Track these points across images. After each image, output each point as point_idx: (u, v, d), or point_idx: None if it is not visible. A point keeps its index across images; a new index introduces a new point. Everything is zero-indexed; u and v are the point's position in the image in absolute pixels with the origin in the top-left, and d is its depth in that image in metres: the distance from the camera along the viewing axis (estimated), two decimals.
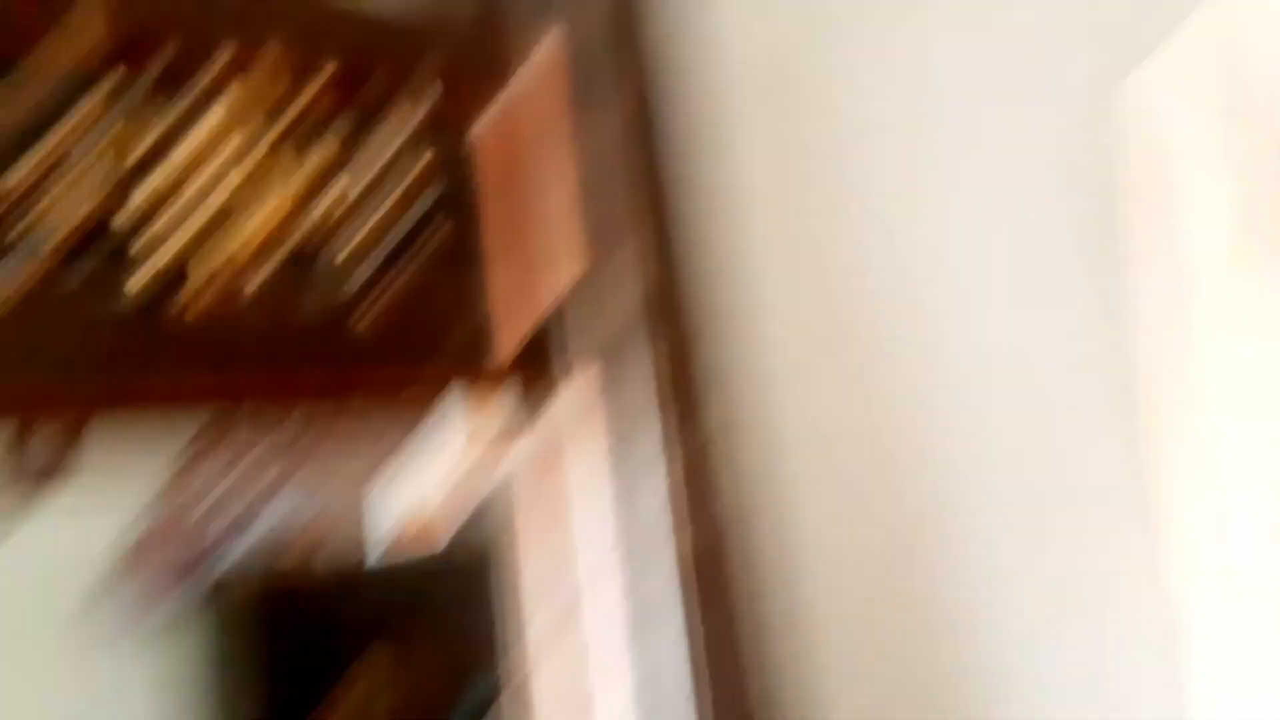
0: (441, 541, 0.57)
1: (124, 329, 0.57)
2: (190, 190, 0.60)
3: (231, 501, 2.79)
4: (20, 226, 0.54)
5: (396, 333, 0.65)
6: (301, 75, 0.63)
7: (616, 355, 0.61)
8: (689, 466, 0.59)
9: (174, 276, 0.59)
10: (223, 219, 0.61)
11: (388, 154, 0.66)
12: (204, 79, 0.61)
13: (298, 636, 2.72)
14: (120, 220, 0.58)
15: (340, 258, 0.64)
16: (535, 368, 0.64)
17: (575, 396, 0.62)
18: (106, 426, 0.59)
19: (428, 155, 0.67)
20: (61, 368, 0.54)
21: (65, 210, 0.56)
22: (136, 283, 0.57)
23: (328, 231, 0.65)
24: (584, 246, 0.63)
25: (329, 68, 0.64)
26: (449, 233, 0.67)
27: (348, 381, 0.65)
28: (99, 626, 2.79)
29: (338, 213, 0.65)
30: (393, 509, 0.66)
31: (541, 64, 0.67)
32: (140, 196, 0.58)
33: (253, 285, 0.62)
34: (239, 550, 2.65)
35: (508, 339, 0.63)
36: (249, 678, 2.59)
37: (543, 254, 0.65)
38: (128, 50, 0.58)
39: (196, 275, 0.60)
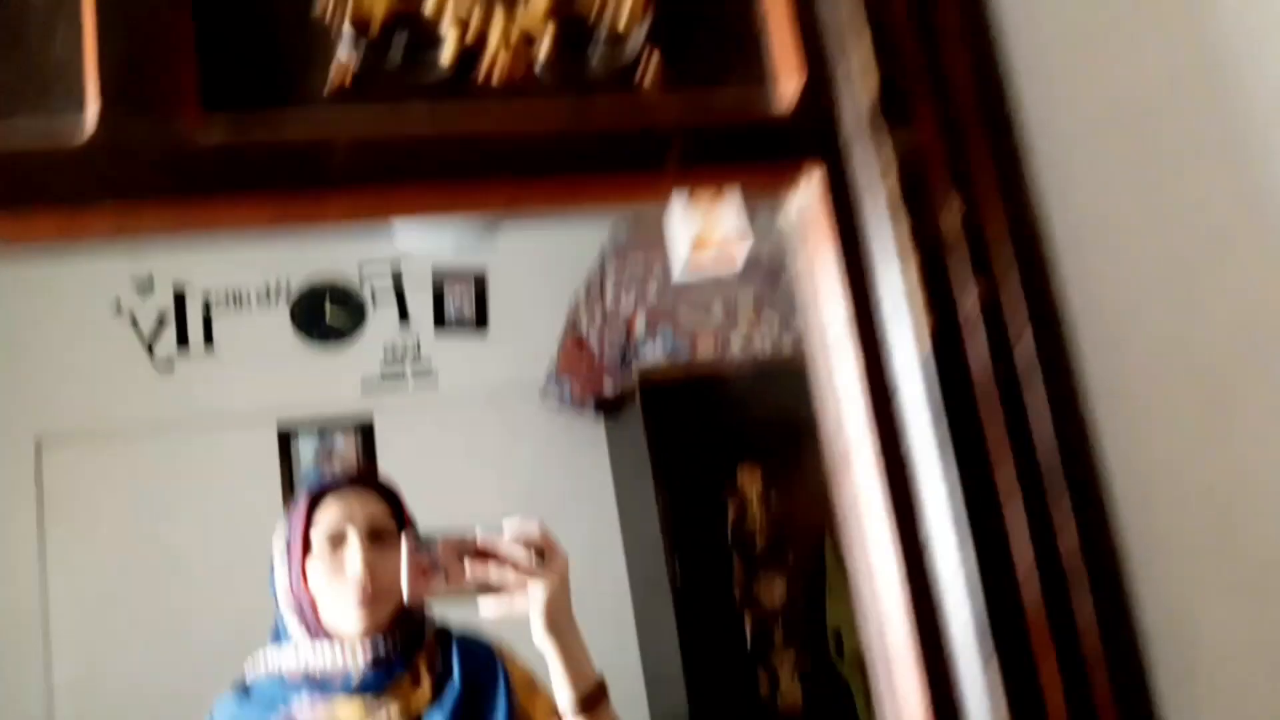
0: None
1: (438, 95, 0.66)
2: None
3: (647, 303, 3.04)
4: (350, 16, 0.64)
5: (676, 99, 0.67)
6: None
7: (852, 152, 0.57)
8: (924, 266, 0.55)
9: (475, 48, 0.67)
10: None
11: None
12: None
13: (711, 423, 2.96)
14: (428, 5, 0.67)
15: (621, 23, 0.67)
16: (776, 161, 0.62)
17: (813, 194, 0.59)
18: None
19: None
20: (392, 128, 0.65)
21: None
22: (446, 56, 0.66)
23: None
24: (817, 46, 0.59)
25: None
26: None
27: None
28: (551, 407, 3.26)
29: None
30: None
31: None
32: None
33: (543, 52, 0.67)
34: (658, 347, 2.91)
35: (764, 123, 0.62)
36: (670, 456, 2.90)
37: (782, 52, 0.62)
38: None
39: (494, 46, 0.66)
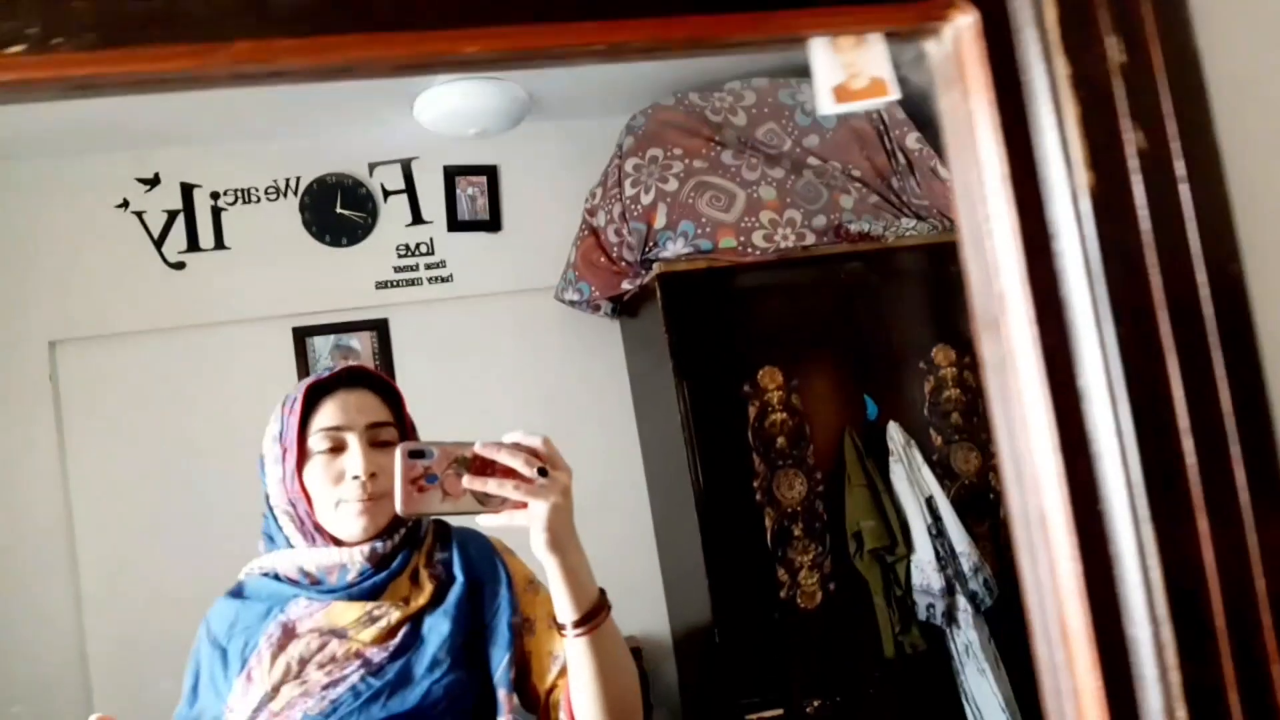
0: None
1: None
2: None
3: (667, 196, 2.97)
4: None
5: None
6: None
7: None
8: (1084, 113, 0.51)
9: None
10: None
11: None
12: None
13: (729, 315, 2.94)
14: None
15: None
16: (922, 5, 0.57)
17: (966, 34, 0.54)
18: None
19: None
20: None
21: None
22: None
23: None
24: None
25: None
26: None
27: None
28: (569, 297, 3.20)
29: None
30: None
31: None
32: None
33: None
34: (679, 241, 2.87)
35: None
36: (691, 354, 2.88)
37: None
38: None
39: None
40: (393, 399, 1.22)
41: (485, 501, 0.97)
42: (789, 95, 3.05)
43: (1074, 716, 0.53)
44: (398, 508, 0.97)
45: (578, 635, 1.01)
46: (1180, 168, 0.52)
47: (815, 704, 2.77)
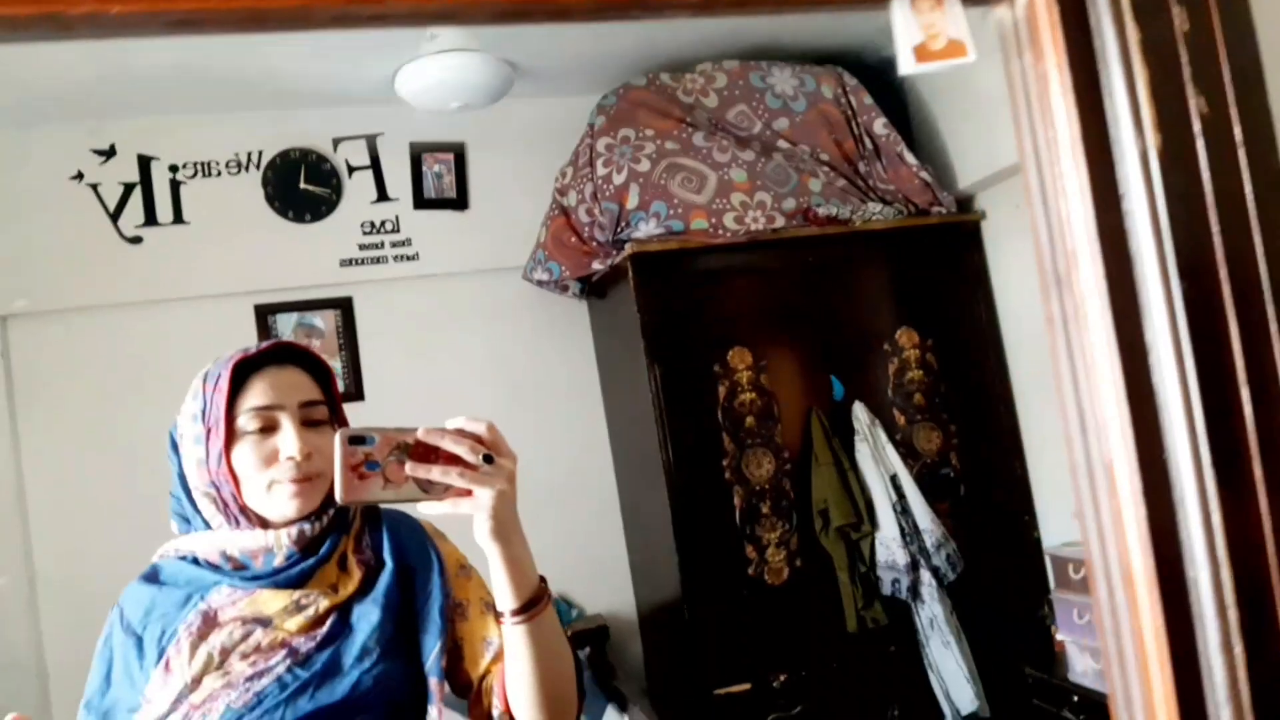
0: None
1: None
2: None
3: (639, 176, 2.98)
4: None
5: None
6: None
7: None
8: (1154, 78, 0.53)
9: None
10: None
11: None
12: None
13: (700, 295, 2.96)
14: None
15: None
16: None
17: (1037, 2, 0.56)
18: None
19: None
20: None
21: None
22: None
23: None
24: None
25: None
26: None
27: None
28: (541, 284, 3.20)
29: None
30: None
31: None
32: None
33: None
34: (651, 222, 2.88)
35: None
36: (662, 333, 2.90)
37: None
38: None
39: None
40: (323, 377, 1.17)
41: (428, 489, 0.94)
42: (759, 78, 3.07)
43: (1134, 655, 0.55)
44: (338, 496, 0.93)
45: (516, 623, 0.99)
46: (1238, 133, 0.54)
47: (781, 678, 2.81)
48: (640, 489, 3.16)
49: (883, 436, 2.94)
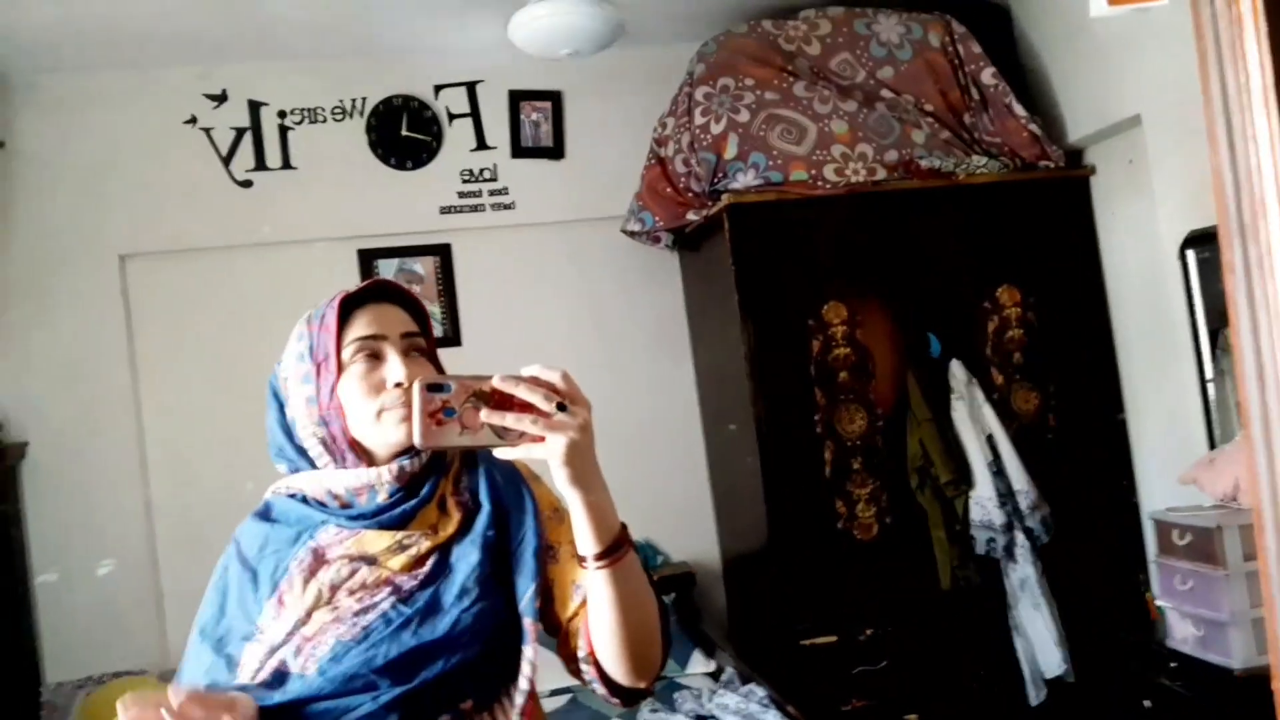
0: None
1: None
2: None
3: (738, 126, 2.94)
4: None
5: None
6: None
7: None
8: None
9: None
10: None
11: None
12: None
13: (796, 248, 2.94)
14: None
15: None
16: None
17: None
18: None
19: None
20: None
21: None
22: None
23: None
24: None
25: None
26: None
27: None
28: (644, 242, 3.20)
29: None
30: None
31: None
32: None
33: None
34: (749, 173, 2.86)
35: None
36: (756, 286, 2.90)
37: None
38: None
39: None
40: (419, 315, 1.20)
41: (503, 435, 0.95)
42: (864, 25, 3.00)
43: None
44: (416, 441, 0.96)
45: (598, 568, 1.01)
46: None
47: (868, 632, 2.83)
48: (729, 440, 3.18)
49: (980, 395, 2.89)
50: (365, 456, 1.14)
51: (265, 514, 1.19)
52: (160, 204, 3.15)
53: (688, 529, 3.44)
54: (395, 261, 3.26)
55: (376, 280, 1.19)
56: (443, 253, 3.31)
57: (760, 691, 2.58)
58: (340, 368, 1.13)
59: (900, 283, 2.94)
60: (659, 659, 1.08)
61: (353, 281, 3.21)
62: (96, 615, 2.99)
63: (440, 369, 1.18)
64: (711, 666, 2.91)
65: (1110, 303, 3.05)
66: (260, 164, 3.20)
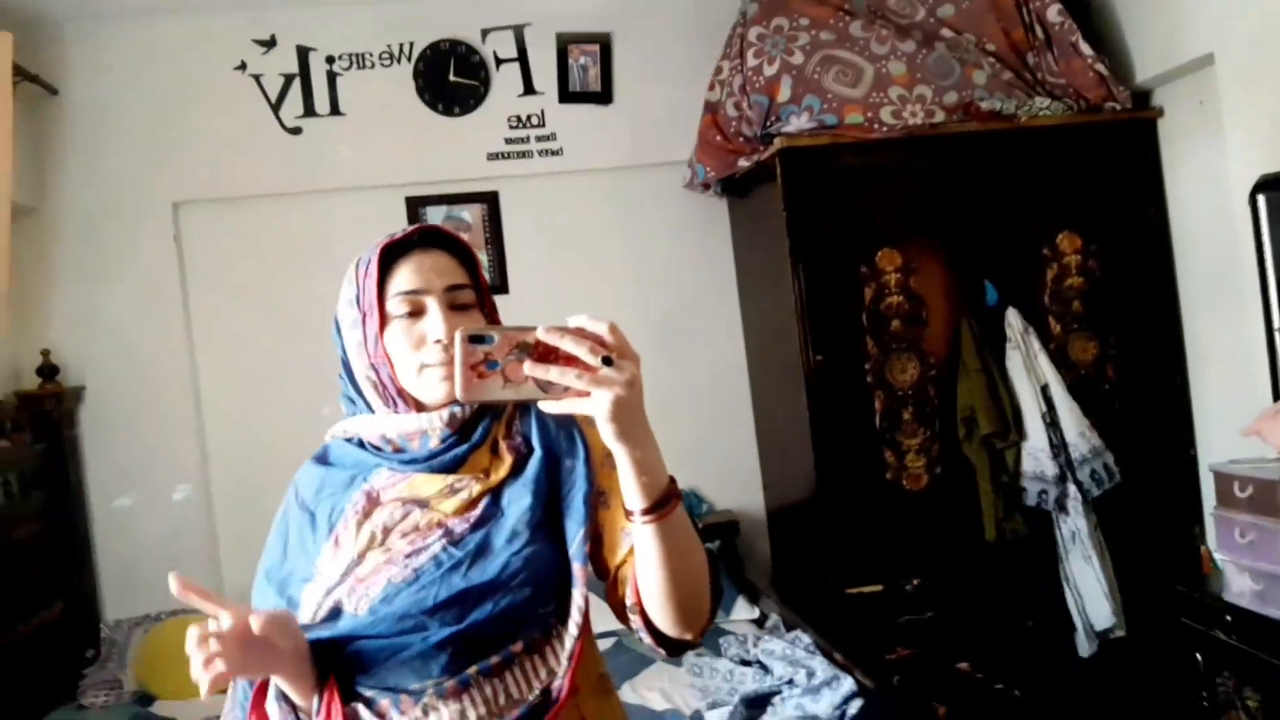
0: None
1: None
2: None
3: (791, 68, 2.86)
4: None
5: None
6: None
7: None
8: None
9: None
10: None
11: None
12: None
13: (850, 193, 2.88)
14: None
15: None
16: None
17: None
18: None
19: None
20: None
21: None
22: None
23: None
24: None
25: None
26: None
27: None
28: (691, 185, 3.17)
29: None
30: None
31: None
32: None
33: None
34: (803, 116, 2.78)
35: None
36: (808, 232, 2.85)
37: None
38: None
39: None
40: (468, 261, 1.17)
41: (548, 389, 0.92)
42: None
43: None
44: (458, 393, 0.94)
45: (645, 522, 0.99)
46: None
47: (915, 582, 2.82)
48: (777, 389, 3.16)
49: (1036, 344, 2.83)
50: (416, 403, 1.14)
51: (322, 458, 1.21)
52: (212, 151, 3.16)
53: (732, 478, 3.43)
54: (443, 209, 3.25)
55: (421, 227, 1.16)
56: (490, 200, 3.29)
57: (806, 638, 2.58)
58: (384, 318, 1.12)
59: (957, 229, 2.88)
60: (707, 612, 1.07)
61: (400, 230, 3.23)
62: (154, 556, 3.07)
63: (494, 315, 1.17)
64: (755, 613, 2.92)
65: (1175, 250, 2.96)
66: (309, 110, 3.20)
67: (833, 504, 2.83)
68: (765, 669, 2.43)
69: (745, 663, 2.54)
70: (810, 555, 3.01)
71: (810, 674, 2.25)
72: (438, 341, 1.10)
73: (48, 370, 2.98)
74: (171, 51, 3.14)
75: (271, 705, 1.08)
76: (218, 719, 2.56)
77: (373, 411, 1.16)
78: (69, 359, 3.07)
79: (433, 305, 1.11)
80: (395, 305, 1.11)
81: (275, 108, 3.18)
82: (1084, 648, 2.76)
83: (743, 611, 2.92)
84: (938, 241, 2.87)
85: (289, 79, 3.19)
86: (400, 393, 1.13)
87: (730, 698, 2.24)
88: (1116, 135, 2.92)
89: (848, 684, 2.15)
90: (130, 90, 3.12)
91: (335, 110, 3.21)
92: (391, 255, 1.13)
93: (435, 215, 3.25)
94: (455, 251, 1.17)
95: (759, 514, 3.47)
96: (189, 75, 3.15)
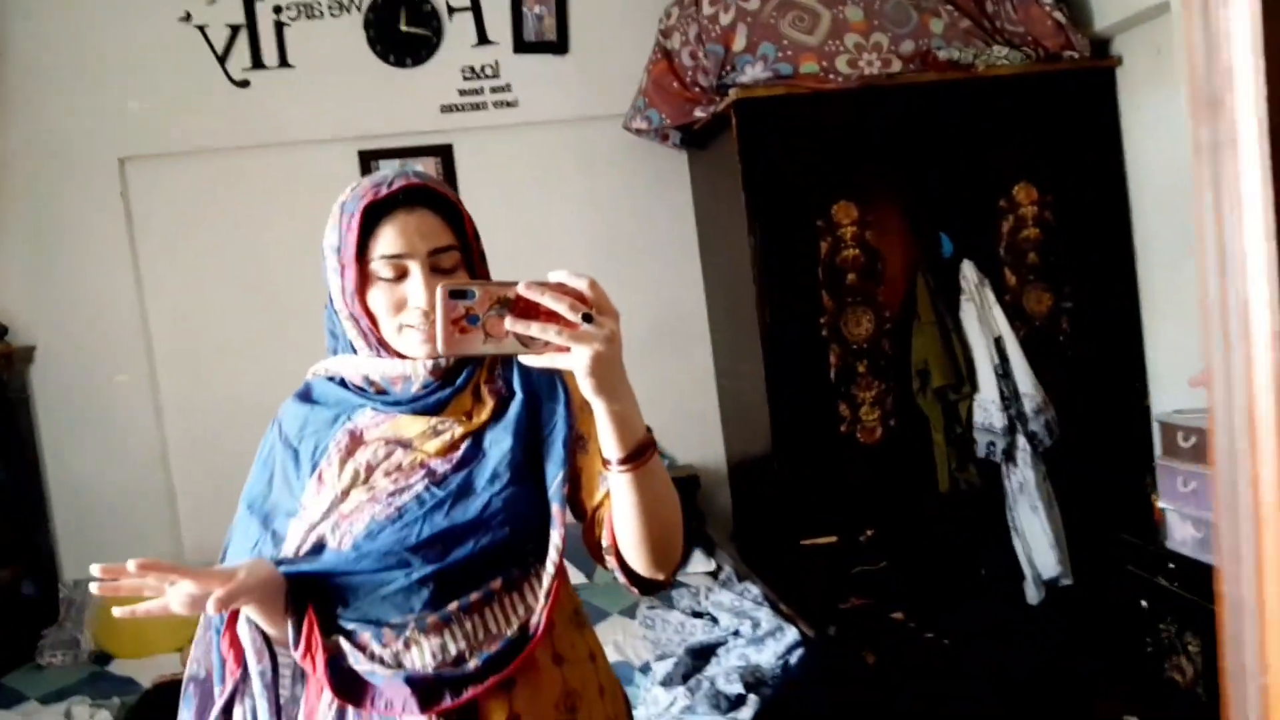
0: None
1: None
2: None
3: (747, 16, 2.81)
4: None
5: None
6: None
7: None
8: None
9: None
10: None
11: None
12: None
13: (805, 145, 2.86)
14: None
15: None
16: None
17: None
18: None
19: None
20: None
21: None
22: None
23: None
24: None
25: None
26: None
27: None
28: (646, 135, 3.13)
29: None
30: None
31: None
32: None
33: None
34: (758, 65, 2.74)
35: None
36: (764, 184, 2.82)
37: None
38: None
39: None
40: (455, 217, 1.15)
41: (528, 344, 0.94)
42: None
43: (1249, 502, 0.53)
44: (439, 347, 0.94)
45: (621, 471, 1.01)
46: None
47: (869, 533, 2.84)
48: (735, 342, 3.16)
49: (990, 297, 2.83)
50: (397, 352, 1.15)
51: (305, 395, 1.22)
52: (157, 106, 3.09)
53: (694, 432, 3.44)
54: (396, 163, 3.20)
55: (407, 183, 1.13)
56: (444, 153, 3.24)
57: (755, 589, 2.61)
58: (366, 276, 1.11)
59: (913, 181, 2.86)
60: (678, 554, 1.11)
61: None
62: (111, 514, 3.06)
63: (482, 268, 1.17)
64: (711, 566, 2.95)
65: (1132, 200, 2.95)
66: (257, 63, 3.13)
67: (788, 457, 2.84)
68: (715, 621, 2.46)
69: (698, 614, 2.57)
70: (767, 508, 3.03)
71: (755, 625, 2.28)
72: (418, 308, 1.10)
73: None
74: (114, 3, 3.05)
75: (243, 628, 1.11)
76: (173, 677, 2.58)
77: (354, 351, 1.17)
78: (18, 319, 3.03)
79: (415, 270, 1.10)
80: (379, 267, 1.10)
81: (222, 60, 3.11)
82: (1032, 596, 2.81)
83: (698, 564, 2.94)
84: (895, 194, 2.85)
85: (235, 30, 3.11)
86: (381, 342, 1.14)
87: (678, 650, 2.26)
88: (1075, 84, 2.90)
89: (791, 634, 2.18)
90: (73, 44, 3.04)
91: (284, 62, 3.14)
92: (375, 212, 1.11)
93: (388, 169, 3.19)
94: (440, 208, 1.14)
95: (721, 468, 3.49)
96: (132, 28, 3.07)
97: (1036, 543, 2.78)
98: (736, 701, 1.94)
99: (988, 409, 2.78)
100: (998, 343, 2.81)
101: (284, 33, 3.13)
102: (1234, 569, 0.55)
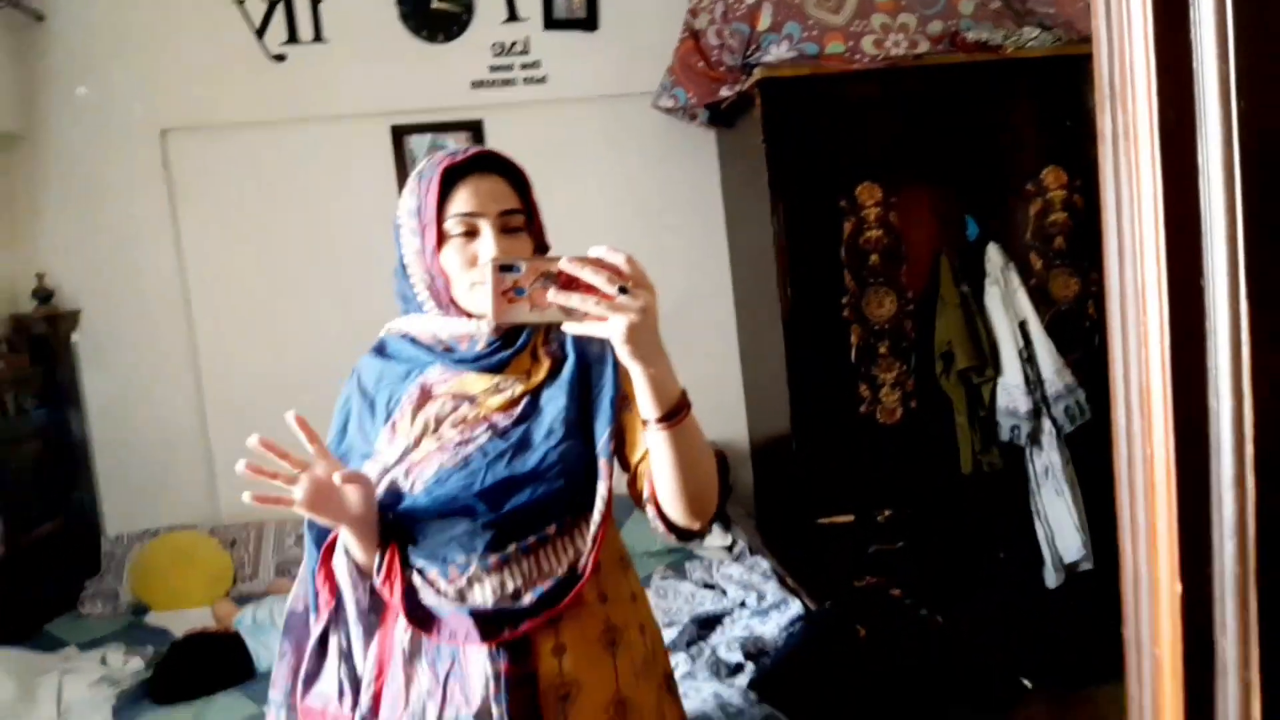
0: None
1: None
2: None
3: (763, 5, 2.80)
4: None
5: None
6: None
7: None
8: None
9: None
10: None
11: None
12: None
13: (830, 125, 2.84)
14: None
15: None
16: None
17: None
18: None
19: None
20: None
21: None
22: None
23: None
24: None
25: None
26: None
27: None
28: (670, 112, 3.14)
29: None
30: None
31: None
32: None
33: None
34: (783, 44, 2.74)
35: None
36: (788, 163, 2.82)
37: None
38: None
39: None
40: (521, 185, 1.27)
41: (570, 314, 1.03)
42: None
43: (1144, 483, 0.55)
44: (490, 317, 1.04)
45: (658, 430, 1.09)
46: None
47: (886, 513, 2.86)
48: (757, 321, 3.17)
49: (1015, 280, 2.82)
50: (466, 313, 1.25)
51: (381, 350, 1.35)
52: (197, 79, 3.17)
53: (718, 409, 3.47)
54: (427, 138, 3.26)
55: (481, 150, 1.26)
56: (475, 129, 3.29)
57: (765, 564, 2.65)
58: (442, 235, 1.22)
59: (939, 163, 2.84)
60: (713, 506, 1.20)
61: (386, 158, 3.25)
62: (151, 474, 3.18)
63: (541, 235, 1.29)
64: (727, 540, 2.99)
65: None
66: (292, 37, 3.19)
67: (807, 436, 2.86)
68: (724, 593, 2.50)
69: (708, 585, 2.61)
70: (787, 486, 3.06)
71: (761, 597, 2.32)
72: (488, 263, 1.17)
73: (43, 294, 3.05)
74: None
75: (339, 560, 1.24)
76: (202, 629, 2.67)
77: (424, 311, 1.28)
78: (63, 284, 3.14)
79: (486, 228, 1.21)
80: (453, 225, 1.21)
81: (259, 34, 3.18)
82: (1051, 579, 2.81)
83: (715, 538, 2.99)
84: (920, 175, 2.84)
85: (272, 5, 3.17)
86: (452, 301, 1.24)
87: (685, 619, 2.31)
88: None
89: (795, 607, 2.22)
90: (116, 16, 3.13)
91: (319, 37, 3.20)
92: (451, 175, 1.23)
93: (420, 144, 3.25)
94: (509, 175, 1.27)
95: (744, 446, 3.51)
96: (173, 2, 3.14)
97: (1060, 526, 2.78)
98: (735, 669, 1.99)
99: (1011, 393, 2.77)
100: (1022, 326, 2.80)
101: (319, 8, 3.19)
102: (1131, 543, 0.58)
